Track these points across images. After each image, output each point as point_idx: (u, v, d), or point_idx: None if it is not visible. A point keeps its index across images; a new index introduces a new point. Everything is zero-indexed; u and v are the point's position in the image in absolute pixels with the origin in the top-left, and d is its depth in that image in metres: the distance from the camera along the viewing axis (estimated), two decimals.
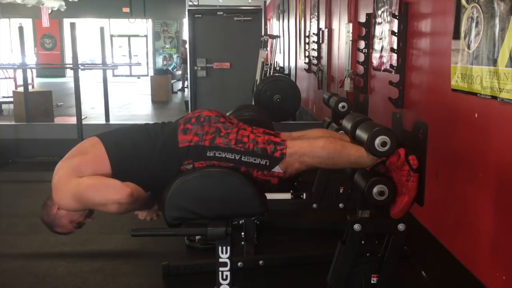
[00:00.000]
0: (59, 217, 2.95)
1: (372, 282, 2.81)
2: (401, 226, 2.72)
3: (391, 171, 2.71)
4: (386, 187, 2.65)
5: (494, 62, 2.81)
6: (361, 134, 2.79)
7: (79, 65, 8.12)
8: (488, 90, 2.89)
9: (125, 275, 3.99)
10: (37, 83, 18.83)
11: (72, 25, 7.95)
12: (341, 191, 4.64)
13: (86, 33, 25.82)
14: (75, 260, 4.28)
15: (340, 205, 4.62)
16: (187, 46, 12.42)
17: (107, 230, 4.86)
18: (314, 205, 4.67)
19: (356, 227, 2.74)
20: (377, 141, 2.64)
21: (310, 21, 9.54)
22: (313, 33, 8.95)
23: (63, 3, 22.12)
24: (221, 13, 11.11)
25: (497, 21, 2.79)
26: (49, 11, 22.93)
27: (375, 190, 2.65)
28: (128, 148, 2.80)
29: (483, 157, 3.06)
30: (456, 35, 3.29)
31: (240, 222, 4.47)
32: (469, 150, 3.25)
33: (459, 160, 3.40)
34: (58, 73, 26.12)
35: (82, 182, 2.70)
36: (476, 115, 3.11)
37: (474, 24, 3.06)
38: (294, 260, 4.26)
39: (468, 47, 3.13)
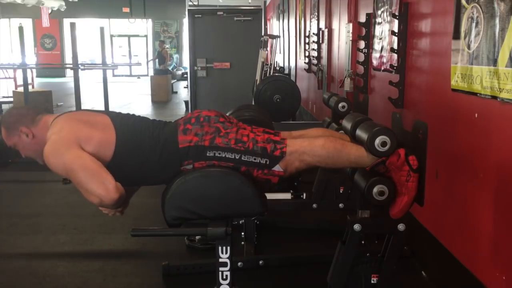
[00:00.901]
0: (16, 137, 2.91)
1: (372, 282, 2.80)
2: (401, 226, 2.71)
3: (391, 171, 2.69)
4: (386, 187, 2.64)
5: (494, 62, 2.80)
6: (361, 134, 2.78)
7: (79, 65, 8.17)
8: (488, 90, 2.87)
9: (126, 275, 3.99)
10: (37, 83, 18.78)
11: (72, 25, 7.97)
12: (341, 191, 4.64)
13: (86, 33, 25.79)
14: (75, 260, 4.28)
15: (340, 205, 4.60)
16: (165, 45, 12.30)
17: (106, 230, 4.87)
18: (314, 205, 4.65)
19: (356, 227, 2.73)
20: (377, 141, 2.64)
21: (310, 21, 9.50)
22: (313, 33, 8.90)
23: (63, 3, 22.10)
24: (221, 13, 11.11)
25: (497, 21, 2.78)
26: (49, 11, 22.91)
27: (375, 190, 2.64)
28: (133, 142, 2.80)
29: (483, 157, 3.04)
30: (456, 35, 3.27)
31: (240, 222, 4.46)
32: (469, 150, 3.23)
33: (459, 160, 3.39)
34: (58, 73, 26.03)
35: (82, 158, 2.67)
36: (476, 115, 3.09)
37: (474, 24, 3.04)
38: (294, 260, 4.25)
39: (468, 47, 3.11)
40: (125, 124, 2.87)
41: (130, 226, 2.95)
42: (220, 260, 2.81)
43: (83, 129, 2.76)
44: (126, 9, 22.06)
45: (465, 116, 3.24)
